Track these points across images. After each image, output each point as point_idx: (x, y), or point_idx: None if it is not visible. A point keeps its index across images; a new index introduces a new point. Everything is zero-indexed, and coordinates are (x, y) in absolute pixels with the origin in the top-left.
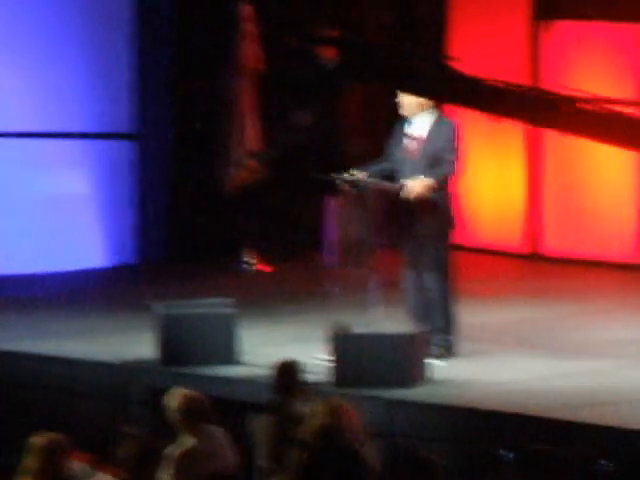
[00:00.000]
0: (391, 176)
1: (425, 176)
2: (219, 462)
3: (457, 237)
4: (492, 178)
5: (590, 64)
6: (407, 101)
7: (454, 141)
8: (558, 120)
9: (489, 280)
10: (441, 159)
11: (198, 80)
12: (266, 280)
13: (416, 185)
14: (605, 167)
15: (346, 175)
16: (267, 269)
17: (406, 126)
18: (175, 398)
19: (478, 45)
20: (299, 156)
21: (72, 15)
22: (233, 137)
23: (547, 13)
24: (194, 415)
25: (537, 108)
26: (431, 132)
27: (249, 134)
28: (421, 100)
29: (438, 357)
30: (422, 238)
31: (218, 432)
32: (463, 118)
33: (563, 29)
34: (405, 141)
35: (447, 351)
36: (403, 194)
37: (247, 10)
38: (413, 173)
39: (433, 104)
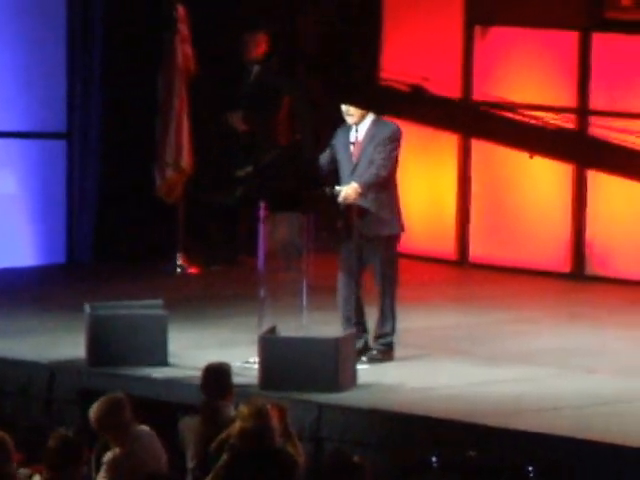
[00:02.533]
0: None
1: (357, 181)
2: (151, 463)
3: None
4: (425, 185)
5: (523, 70)
6: (351, 110)
7: (389, 143)
8: (488, 130)
9: (420, 286)
10: (374, 161)
11: (130, 81)
12: (196, 282)
13: (347, 191)
14: (535, 174)
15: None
16: (197, 270)
17: (351, 133)
18: (93, 409)
19: (412, 49)
20: (232, 160)
21: (3, 13)
22: (166, 139)
23: (481, 18)
24: (114, 423)
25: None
26: (368, 135)
27: (181, 137)
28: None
29: (375, 361)
30: (366, 241)
31: (147, 433)
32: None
33: (497, 35)
34: (350, 148)
35: (386, 354)
36: (339, 200)
37: (181, 10)
38: (351, 178)
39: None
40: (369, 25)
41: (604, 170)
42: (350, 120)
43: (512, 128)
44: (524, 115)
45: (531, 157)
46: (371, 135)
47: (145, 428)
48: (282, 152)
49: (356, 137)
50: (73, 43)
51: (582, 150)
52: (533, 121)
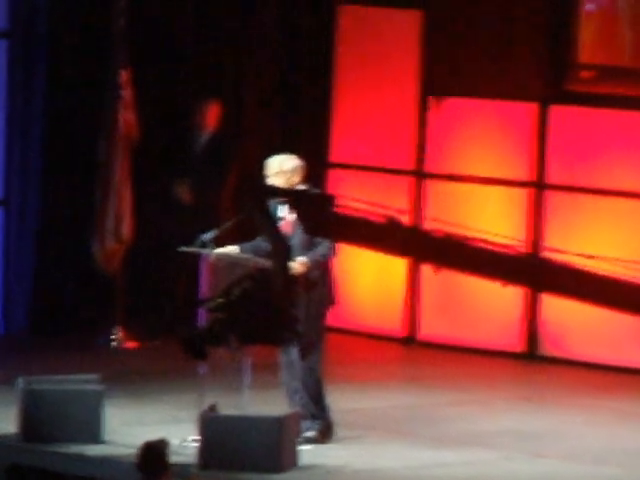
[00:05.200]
0: (263, 254)
1: (303, 256)
2: None
3: (335, 319)
4: (372, 259)
5: (479, 142)
6: (276, 183)
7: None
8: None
9: (366, 364)
10: (317, 240)
11: (71, 147)
12: (135, 357)
13: (295, 265)
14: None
15: (218, 250)
16: (135, 345)
17: (279, 210)
18: None
19: (365, 120)
20: (169, 227)
21: None
22: (106, 208)
23: (436, 89)
24: None
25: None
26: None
27: (122, 205)
28: (292, 180)
29: (311, 441)
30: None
31: None
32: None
33: (452, 105)
34: (280, 223)
35: (322, 436)
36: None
37: (125, 75)
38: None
39: (301, 182)
40: (318, 101)
41: (558, 294)
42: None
43: (464, 254)
44: (476, 238)
45: (436, 273)
46: None
47: None
48: (252, 284)
49: (283, 214)
50: (13, 106)
51: (535, 275)
52: (484, 244)
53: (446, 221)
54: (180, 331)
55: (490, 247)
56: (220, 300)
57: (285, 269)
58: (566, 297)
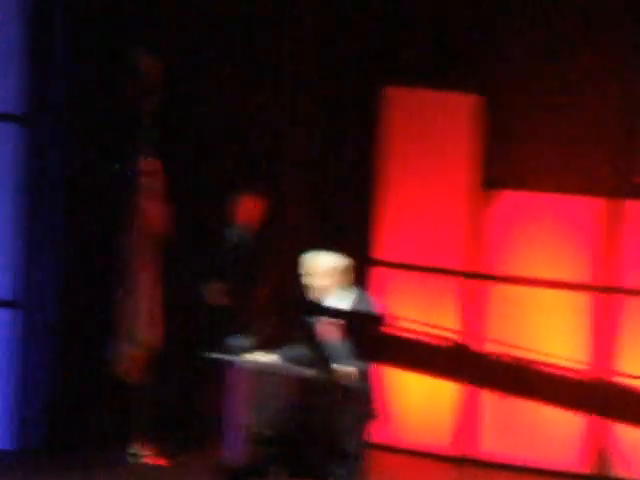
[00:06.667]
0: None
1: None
2: None
3: (382, 436)
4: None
5: (535, 237)
6: (319, 283)
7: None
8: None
9: None
10: None
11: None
12: (158, 476)
13: (344, 372)
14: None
15: (254, 357)
16: (160, 462)
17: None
18: None
19: (413, 215)
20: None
21: None
22: (129, 310)
23: (492, 182)
24: None
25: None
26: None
27: (147, 308)
28: (339, 281)
29: None
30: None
31: None
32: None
33: (508, 199)
34: (321, 325)
35: None
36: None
37: (153, 165)
38: (337, 359)
39: (351, 280)
40: (361, 194)
41: (628, 422)
42: (315, 293)
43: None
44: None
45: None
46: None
47: None
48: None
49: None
50: (30, 210)
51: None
52: (549, 369)
53: (501, 331)
54: (221, 465)
55: (556, 372)
56: (268, 433)
57: (331, 378)
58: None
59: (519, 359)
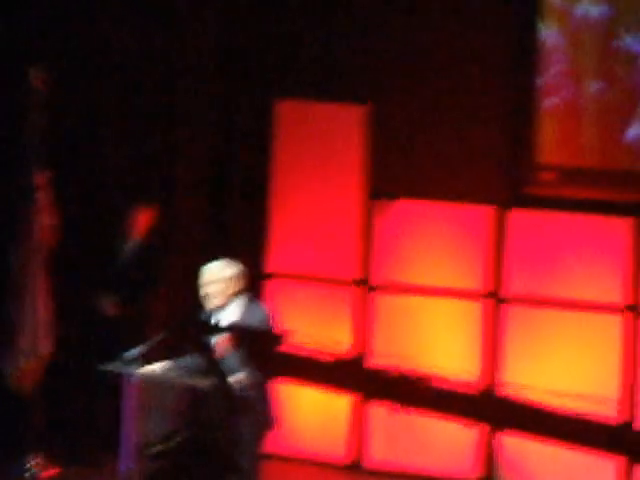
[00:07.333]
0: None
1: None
2: None
3: (273, 445)
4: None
5: (429, 248)
6: (213, 292)
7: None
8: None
9: None
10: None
11: None
12: None
13: (237, 381)
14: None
15: (145, 368)
16: (54, 472)
17: (214, 318)
18: None
19: (305, 225)
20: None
21: None
22: (20, 323)
23: (382, 191)
24: None
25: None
26: (241, 321)
27: (39, 320)
28: (232, 288)
29: None
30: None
31: None
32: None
33: (399, 208)
34: (216, 343)
35: None
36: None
37: (42, 177)
38: (231, 370)
39: (242, 290)
40: (254, 205)
41: (516, 433)
42: (210, 304)
43: (417, 395)
44: (429, 375)
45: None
46: (244, 321)
47: None
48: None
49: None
50: None
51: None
52: (438, 382)
53: (394, 344)
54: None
55: (445, 386)
56: (159, 447)
57: (227, 390)
58: (527, 437)
59: (410, 373)
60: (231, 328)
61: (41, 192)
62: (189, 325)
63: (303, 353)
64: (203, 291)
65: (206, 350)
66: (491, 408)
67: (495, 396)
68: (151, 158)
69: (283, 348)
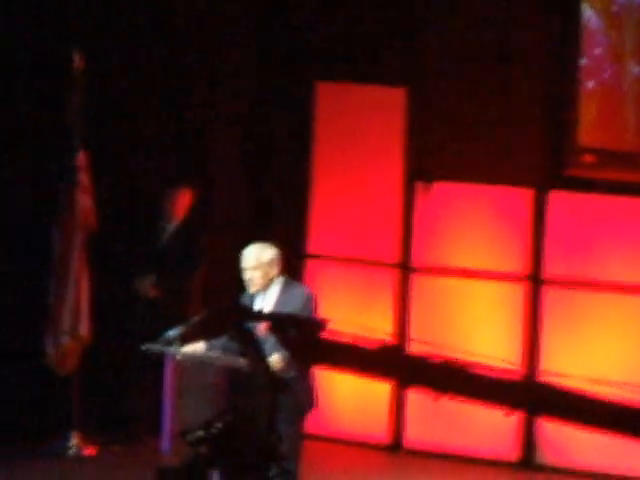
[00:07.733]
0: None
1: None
2: None
3: (315, 425)
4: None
5: (470, 231)
6: (253, 277)
7: (304, 311)
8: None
9: (349, 473)
10: None
11: (22, 237)
12: (92, 466)
13: (275, 361)
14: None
15: (184, 349)
16: (92, 452)
17: (256, 302)
18: None
19: (346, 207)
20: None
21: None
22: (62, 302)
23: (423, 173)
24: None
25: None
26: (277, 304)
27: (80, 300)
28: (270, 273)
29: None
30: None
31: None
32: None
33: (439, 191)
34: (257, 326)
35: None
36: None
37: (82, 158)
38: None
39: (280, 271)
40: (294, 187)
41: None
42: (253, 288)
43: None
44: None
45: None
46: (281, 303)
47: None
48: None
49: (262, 307)
50: None
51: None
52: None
53: (434, 326)
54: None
55: (487, 372)
56: (200, 433)
57: (266, 370)
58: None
59: (450, 359)
60: (272, 316)
61: (82, 173)
62: (230, 309)
63: (343, 339)
64: (244, 275)
65: (246, 333)
66: (532, 395)
67: (536, 382)
68: (190, 139)
69: (323, 335)
